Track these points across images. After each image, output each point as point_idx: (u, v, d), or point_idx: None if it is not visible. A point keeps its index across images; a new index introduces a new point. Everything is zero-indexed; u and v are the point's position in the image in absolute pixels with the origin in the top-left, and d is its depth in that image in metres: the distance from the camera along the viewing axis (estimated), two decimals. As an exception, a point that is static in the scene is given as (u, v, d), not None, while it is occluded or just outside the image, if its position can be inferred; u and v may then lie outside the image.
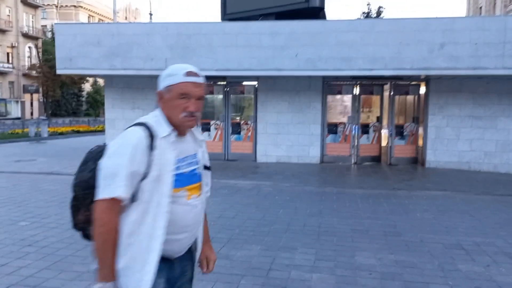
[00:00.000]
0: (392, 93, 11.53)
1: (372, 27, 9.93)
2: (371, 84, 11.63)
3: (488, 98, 10.65)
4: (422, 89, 11.43)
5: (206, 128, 12.36)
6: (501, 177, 10.20)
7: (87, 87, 53.69)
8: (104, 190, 1.65)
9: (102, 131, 22.29)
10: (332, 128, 11.74)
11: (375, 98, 12.02)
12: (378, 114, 11.93)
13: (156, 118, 1.82)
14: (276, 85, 11.57)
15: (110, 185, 1.65)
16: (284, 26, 10.32)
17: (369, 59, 9.91)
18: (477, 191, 8.65)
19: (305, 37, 10.19)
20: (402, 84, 11.45)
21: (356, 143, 11.68)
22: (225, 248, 4.90)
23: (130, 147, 1.68)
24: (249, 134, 12.20)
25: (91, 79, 50.48)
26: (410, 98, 11.94)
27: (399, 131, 11.58)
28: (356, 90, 11.62)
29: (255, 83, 11.90)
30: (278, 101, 11.64)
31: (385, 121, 11.97)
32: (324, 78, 11.33)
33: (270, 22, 10.73)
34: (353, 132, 11.63)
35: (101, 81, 44.25)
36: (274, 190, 8.43)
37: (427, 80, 11.02)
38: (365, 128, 11.72)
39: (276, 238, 5.30)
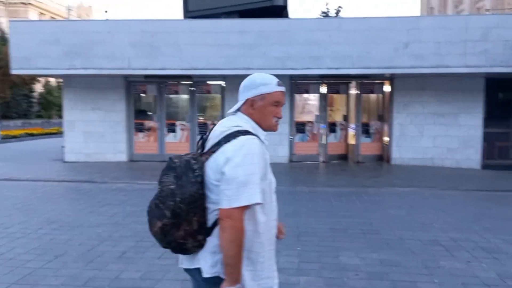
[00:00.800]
0: (358, 92, 11.67)
1: (340, 26, 9.99)
2: (337, 83, 11.71)
3: (450, 95, 10.97)
4: (387, 88, 11.63)
5: (171, 129, 12.06)
6: (463, 172, 10.53)
7: (38, 87, 51.41)
8: (241, 198, 1.70)
9: (57, 133, 21.38)
10: (300, 127, 11.74)
11: (342, 97, 12.13)
12: (345, 113, 12.05)
13: (249, 124, 1.89)
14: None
15: (245, 193, 1.70)
16: (253, 24, 10.20)
17: (337, 58, 9.96)
18: (443, 187, 8.87)
19: (274, 35, 10.11)
20: (368, 82, 11.62)
21: (324, 142, 11.73)
22: (206, 253, 4.71)
23: (256, 156, 1.76)
24: (216, 134, 11.97)
25: (42, 79, 48.38)
26: (375, 96, 12.13)
27: (365, 129, 11.75)
28: (323, 89, 11.67)
29: (222, 82, 11.71)
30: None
31: (351, 120, 12.11)
32: (292, 77, 11.31)
33: (239, 20, 10.58)
34: (321, 130, 11.68)
35: (53, 81, 42.47)
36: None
37: (392, 78, 11.22)
38: (332, 127, 11.80)
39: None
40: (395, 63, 9.88)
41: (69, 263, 4.36)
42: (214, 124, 2.02)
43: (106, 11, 35.93)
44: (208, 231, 1.81)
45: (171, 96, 12.30)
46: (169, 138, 12.05)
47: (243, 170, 1.71)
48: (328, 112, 11.75)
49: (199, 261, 1.84)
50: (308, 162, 11.68)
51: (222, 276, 1.79)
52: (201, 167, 1.80)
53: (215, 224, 1.80)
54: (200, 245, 1.82)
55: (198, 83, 11.90)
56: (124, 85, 11.75)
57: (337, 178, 9.75)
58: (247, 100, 1.90)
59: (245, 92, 1.91)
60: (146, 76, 11.44)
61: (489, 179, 9.85)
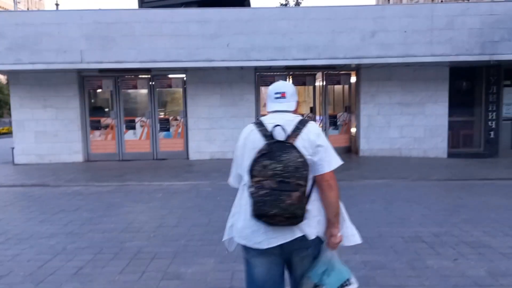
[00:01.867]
0: (324, 83, 11.40)
1: (305, 15, 9.65)
2: (303, 74, 11.40)
3: (416, 85, 10.89)
4: (354, 78, 11.43)
5: (130, 126, 11.39)
6: (431, 162, 10.49)
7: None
8: (337, 160, 2.25)
9: (7, 133, 20.07)
10: (267, 121, 11.36)
11: (308, 89, 11.83)
12: (312, 105, 11.77)
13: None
14: (207, 77, 10.91)
15: (336, 157, 2.25)
16: (214, 13, 9.69)
17: (303, 48, 9.63)
18: (414, 177, 8.74)
19: (237, 25, 9.65)
20: (334, 73, 11.37)
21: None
22: (173, 265, 4.24)
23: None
24: (179, 130, 11.44)
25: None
26: (342, 87, 11.91)
27: (332, 121, 11.51)
28: (289, 81, 11.32)
29: (183, 75, 11.15)
30: (210, 94, 11.01)
31: (318, 112, 11.84)
32: (257, 69, 10.90)
33: (198, 9, 10.05)
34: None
35: (3, 78, 40.16)
36: (214, 190, 7.83)
37: (358, 69, 11.02)
38: (299, 119, 11.48)
39: (228, 246, 4.73)
40: (362, 53, 9.66)
41: (15, 286, 3.78)
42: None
43: (57, 4, 33.87)
44: (307, 200, 2.17)
45: (129, 91, 11.62)
46: (128, 135, 11.38)
47: (327, 141, 2.27)
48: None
49: (302, 229, 2.16)
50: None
51: (320, 235, 2.24)
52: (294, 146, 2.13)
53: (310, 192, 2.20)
54: (305, 212, 2.12)
55: (157, 76, 11.27)
56: (77, 80, 10.97)
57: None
58: (297, 102, 2.42)
59: (294, 96, 2.40)
60: (101, 70, 10.72)
61: (456, 167, 9.83)
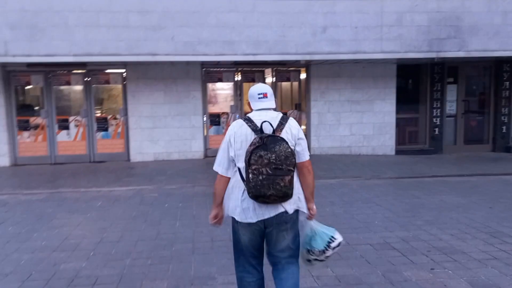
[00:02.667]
0: (274, 80, 11.01)
1: (254, 7, 9.16)
2: (252, 71, 10.93)
3: (364, 82, 10.80)
4: (304, 75, 11.13)
5: (64, 125, 10.35)
6: (380, 159, 10.45)
7: None
8: (308, 153, 2.74)
9: None
10: (215, 119, 10.79)
11: (257, 85, 11.38)
12: (261, 102, 11.35)
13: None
14: (149, 73, 10.14)
15: (307, 150, 2.77)
16: (156, 3, 8.94)
17: (252, 43, 9.15)
18: (367, 176, 8.60)
19: (182, 16, 8.98)
20: (284, 70, 11.00)
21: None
22: (120, 292, 3.60)
23: None
24: (119, 130, 10.57)
25: None
26: (292, 84, 11.57)
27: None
28: (238, 77, 10.81)
29: (123, 70, 10.28)
30: (152, 91, 10.24)
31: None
32: (204, 64, 10.28)
33: (139, -2, 9.22)
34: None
35: None
36: (161, 196, 7.17)
37: (308, 65, 10.73)
38: (248, 117, 11.01)
39: (183, 264, 4.15)
40: (314, 49, 9.36)
41: None
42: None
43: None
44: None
45: (62, 87, 10.55)
46: (61, 136, 10.33)
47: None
48: (243, 102, 10.93)
49: (283, 206, 2.60)
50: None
51: (299, 208, 2.71)
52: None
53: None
54: (288, 196, 2.54)
55: (93, 72, 10.31)
56: (1, 75, 9.77)
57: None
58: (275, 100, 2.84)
59: (273, 95, 2.80)
60: (29, 65, 9.60)
61: (405, 164, 9.84)
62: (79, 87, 10.49)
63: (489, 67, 11.57)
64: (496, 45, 9.74)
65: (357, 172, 8.94)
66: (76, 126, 10.39)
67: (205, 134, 10.67)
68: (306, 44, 9.32)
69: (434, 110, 11.39)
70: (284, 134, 2.60)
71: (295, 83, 11.45)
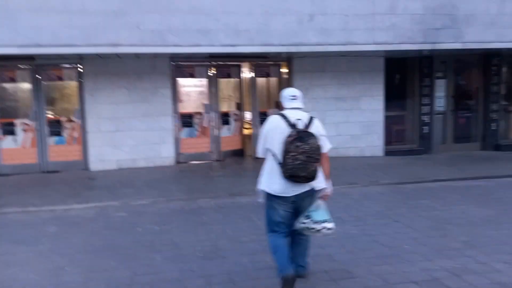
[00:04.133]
0: (253, 75, 9.86)
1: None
2: (228, 65, 9.75)
3: (351, 77, 9.87)
4: (285, 70, 10.05)
5: (9, 130, 8.80)
6: (370, 161, 9.54)
7: None
8: (329, 145, 3.51)
9: None
10: (187, 120, 9.52)
11: (234, 82, 10.21)
12: (238, 101, 10.19)
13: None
14: (110, 67, 8.75)
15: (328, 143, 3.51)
16: (118, -16, 7.59)
17: (231, 32, 7.99)
18: (364, 182, 7.71)
19: (149, 1, 7.68)
20: (263, 64, 9.87)
21: (216, 136, 9.69)
22: None
23: None
24: (75, 134, 9.10)
25: None
26: (272, 80, 10.49)
27: (263, 119, 10.01)
28: (213, 72, 9.57)
29: (79, 65, 8.82)
30: (114, 88, 8.86)
31: (246, 108, 10.31)
32: (173, 57, 9.00)
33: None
34: (213, 123, 9.62)
35: None
36: (130, 215, 5.90)
37: (290, 59, 9.67)
38: (225, 118, 9.83)
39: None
40: (299, 39, 8.30)
41: None
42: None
43: None
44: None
45: (6, 85, 8.96)
46: (7, 143, 8.77)
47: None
48: (219, 100, 9.72)
49: (310, 185, 3.33)
50: (199, 161, 9.56)
51: (318, 188, 3.44)
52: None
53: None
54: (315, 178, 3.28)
55: (44, 66, 8.79)
56: None
57: (244, 181, 7.85)
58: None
59: (301, 97, 3.62)
60: (-38, 58, 8.01)
61: (399, 167, 8.99)
62: (26, 85, 8.93)
63: (477, 61, 10.92)
64: (492, 36, 9.04)
65: (351, 177, 7.99)
66: (24, 130, 8.85)
67: (176, 137, 9.39)
68: (292, 33, 8.25)
69: (423, 107, 10.62)
70: (313, 130, 3.32)
71: (274, 79, 10.38)
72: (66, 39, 7.50)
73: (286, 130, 3.25)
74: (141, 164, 9.14)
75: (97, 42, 7.61)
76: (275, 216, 3.41)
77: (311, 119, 3.39)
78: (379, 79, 10.05)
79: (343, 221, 5.33)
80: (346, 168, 8.74)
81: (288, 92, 3.60)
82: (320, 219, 3.34)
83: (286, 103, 3.52)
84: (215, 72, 9.55)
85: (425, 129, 10.65)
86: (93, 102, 8.81)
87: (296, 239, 3.55)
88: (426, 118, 10.62)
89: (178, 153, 9.41)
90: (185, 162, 9.46)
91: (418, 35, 8.76)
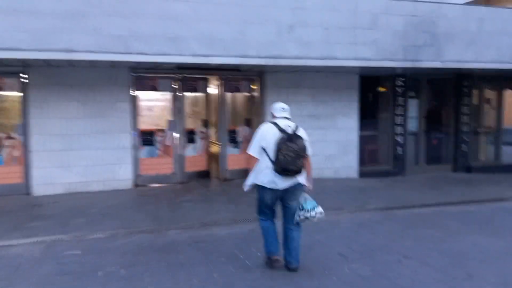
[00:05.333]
0: (222, 90, 9.02)
1: (207, -4, 7.18)
2: (195, 78, 8.87)
3: (327, 94, 9.31)
4: (256, 85, 9.31)
5: None
6: (347, 184, 8.96)
7: None
8: (310, 150, 4.21)
9: None
10: (148, 138, 8.49)
11: (201, 97, 9.32)
12: (205, 117, 9.30)
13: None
14: (61, 77, 7.61)
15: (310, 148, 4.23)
16: (75, -19, 6.55)
17: (205, 41, 7.15)
18: (350, 208, 7.04)
19: (112, 2, 6.70)
20: (234, 78, 9.06)
21: (180, 156, 8.70)
22: None
23: None
24: (16, 153, 7.81)
25: None
26: (241, 96, 9.70)
27: (232, 138, 9.18)
28: (178, 85, 8.62)
29: (23, 73, 7.59)
30: (65, 101, 7.70)
31: (214, 126, 9.43)
32: (134, 67, 8.00)
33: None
34: (176, 141, 8.63)
35: None
36: (86, 254, 4.82)
37: (261, 73, 8.96)
38: (190, 136, 8.89)
39: None
40: (278, 51, 7.61)
41: None
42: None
43: None
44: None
45: None
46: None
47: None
48: (184, 117, 8.77)
49: (298, 180, 4.12)
50: (161, 184, 8.51)
51: (303, 183, 4.20)
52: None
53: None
54: (301, 172, 4.10)
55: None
56: None
57: (218, 208, 6.92)
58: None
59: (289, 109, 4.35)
60: None
61: (378, 190, 8.46)
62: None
63: (449, 81, 10.75)
64: (472, 55, 8.84)
65: (335, 202, 7.30)
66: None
67: (135, 157, 8.32)
68: (270, 44, 7.55)
69: (396, 127, 10.24)
70: (300, 134, 4.14)
71: (244, 95, 9.61)
72: (12, 42, 6.34)
73: (277, 134, 4.02)
74: (95, 187, 7.98)
75: (48, 47, 6.50)
76: (267, 201, 4.20)
77: (297, 127, 4.16)
78: (354, 97, 9.58)
79: (347, 259, 4.57)
80: (326, 191, 8.07)
81: (279, 105, 4.32)
82: (310, 207, 4.16)
83: (277, 113, 4.27)
84: (180, 85, 8.61)
85: (399, 149, 10.26)
86: (40, 116, 7.60)
87: (289, 234, 4.24)
88: (399, 139, 10.24)
89: (137, 175, 8.32)
90: (144, 185, 8.39)
91: (399, 51, 8.36)
